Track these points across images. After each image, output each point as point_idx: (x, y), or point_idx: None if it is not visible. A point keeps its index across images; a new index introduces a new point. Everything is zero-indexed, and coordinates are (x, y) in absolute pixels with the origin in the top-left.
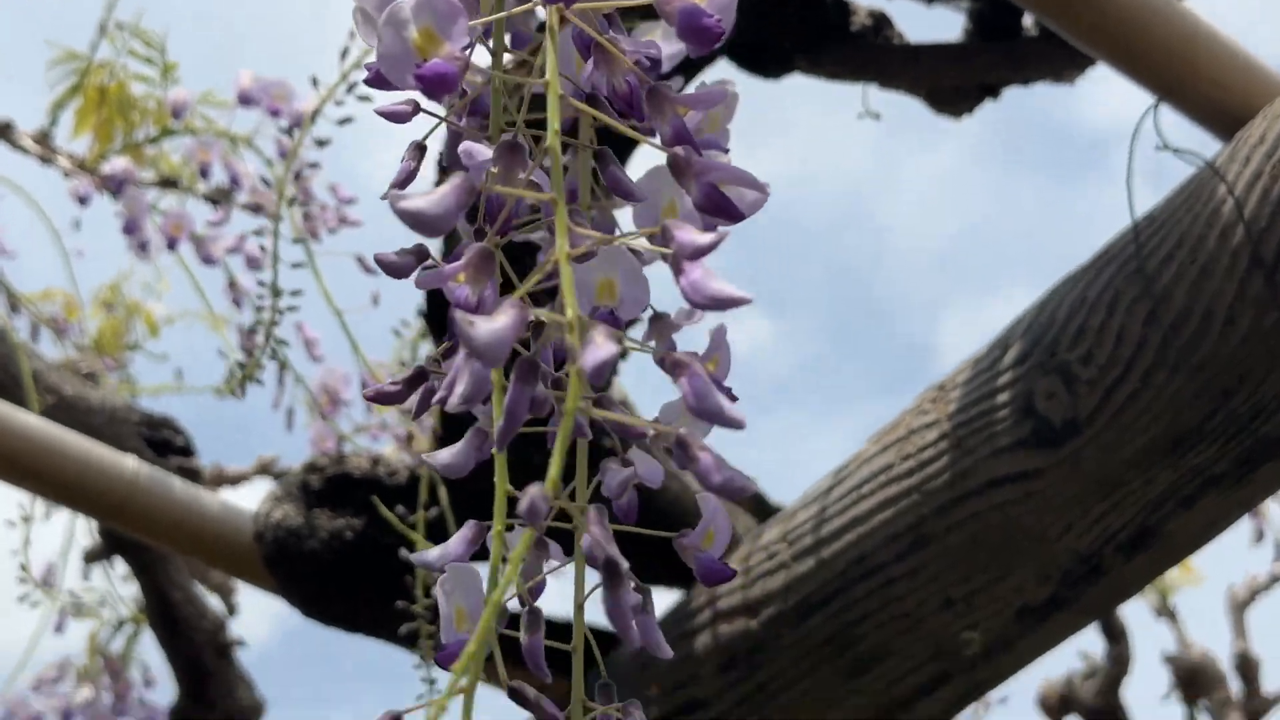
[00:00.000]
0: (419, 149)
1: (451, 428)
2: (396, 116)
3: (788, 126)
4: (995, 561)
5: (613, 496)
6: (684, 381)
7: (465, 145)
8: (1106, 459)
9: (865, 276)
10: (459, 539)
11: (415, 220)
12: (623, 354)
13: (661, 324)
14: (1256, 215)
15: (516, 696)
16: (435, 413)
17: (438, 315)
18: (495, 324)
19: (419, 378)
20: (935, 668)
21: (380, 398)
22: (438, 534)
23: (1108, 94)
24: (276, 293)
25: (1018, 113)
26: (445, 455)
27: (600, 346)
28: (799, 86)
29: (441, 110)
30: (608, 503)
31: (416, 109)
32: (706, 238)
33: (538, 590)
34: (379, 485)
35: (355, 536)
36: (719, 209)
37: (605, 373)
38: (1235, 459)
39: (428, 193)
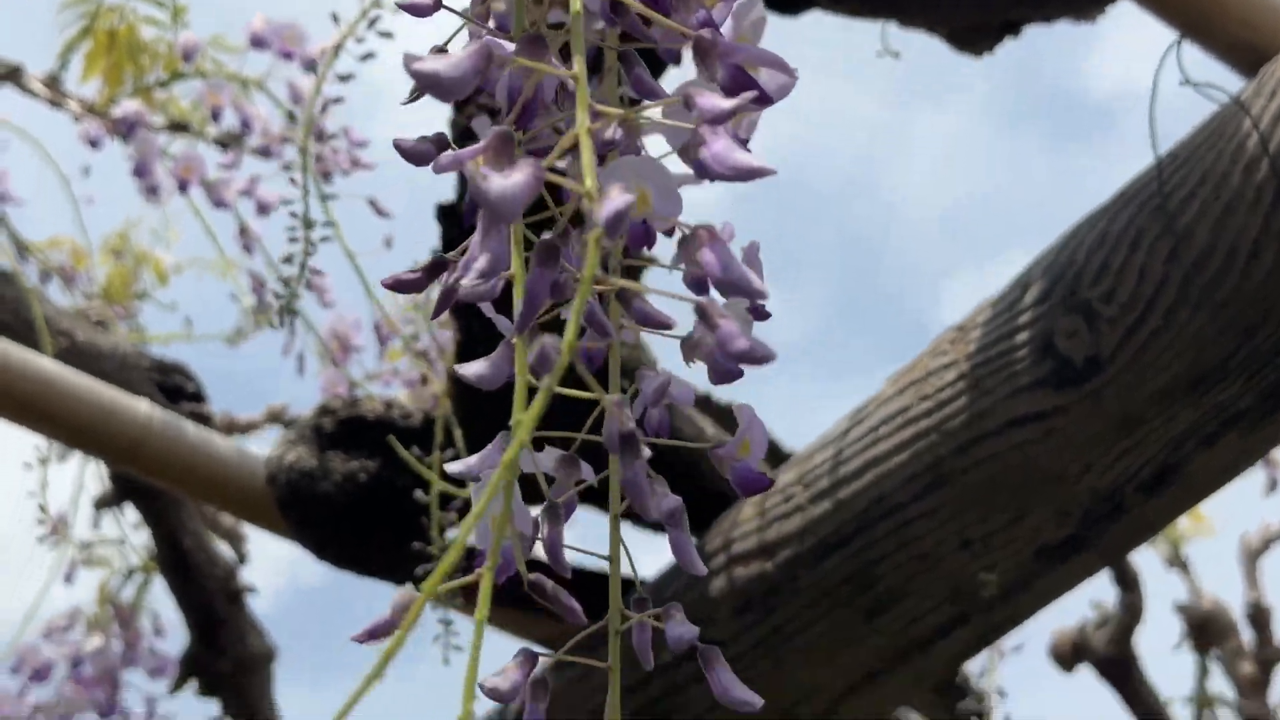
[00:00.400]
0: (440, 53)
1: (470, 356)
2: (417, 10)
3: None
4: (1014, 501)
5: (649, 404)
6: (705, 251)
7: (487, 39)
8: (1128, 397)
9: (874, 246)
10: (493, 448)
11: (431, 82)
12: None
13: (691, 242)
14: None
15: (536, 589)
16: (450, 355)
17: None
18: (510, 179)
19: (438, 266)
20: (953, 609)
21: (399, 285)
22: (452, 476)
23: (1114, 60)
24: (308, 224)
25: (1026, 78)
26: (477, 365)
27: (615, 198)
28: (813, 38)
29: (465, 20)
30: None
31: (438, 4)
32: (730, 102)
33: (569, 507)
34: (393, 428)
35: (369, 479)
36: (745, 89)
37: (622, 223)
38: (1259, 395)
39: (445, 56)
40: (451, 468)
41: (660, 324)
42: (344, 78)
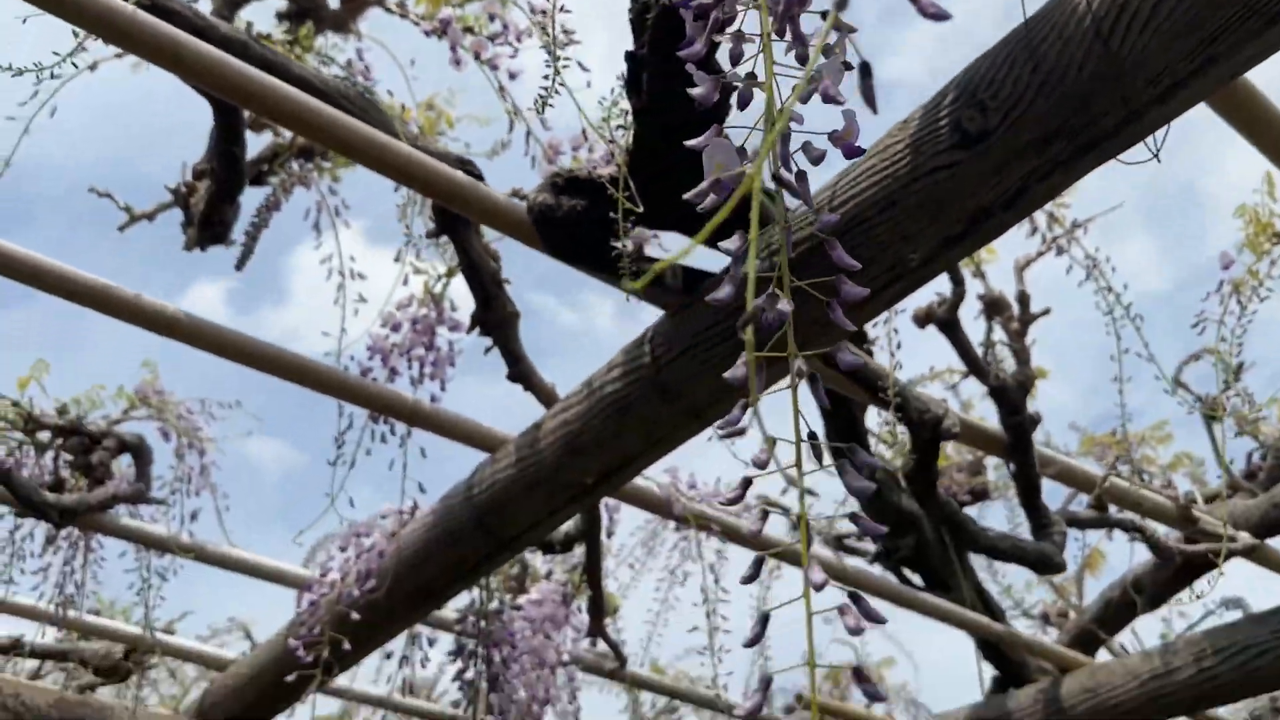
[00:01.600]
0: None
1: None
2: None
3: None
4: (931, 213)
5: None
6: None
7: None
8: (1001, 153)
9: None
10: (707, 135)
11: None
12: None
13: None
14: (1099, 9)
15: (783, 181)
16: (626, 146)
17: (634, 82)
18: None
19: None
20: (892, 274)
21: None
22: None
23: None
24: (555, 56)
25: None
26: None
27: None
28: None
29: None
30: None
31: None
32: None
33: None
34: (594, 181)
35: (583, 210)
36: None
37: None
38: (1074, 149)
39: None
40: (691, 141)
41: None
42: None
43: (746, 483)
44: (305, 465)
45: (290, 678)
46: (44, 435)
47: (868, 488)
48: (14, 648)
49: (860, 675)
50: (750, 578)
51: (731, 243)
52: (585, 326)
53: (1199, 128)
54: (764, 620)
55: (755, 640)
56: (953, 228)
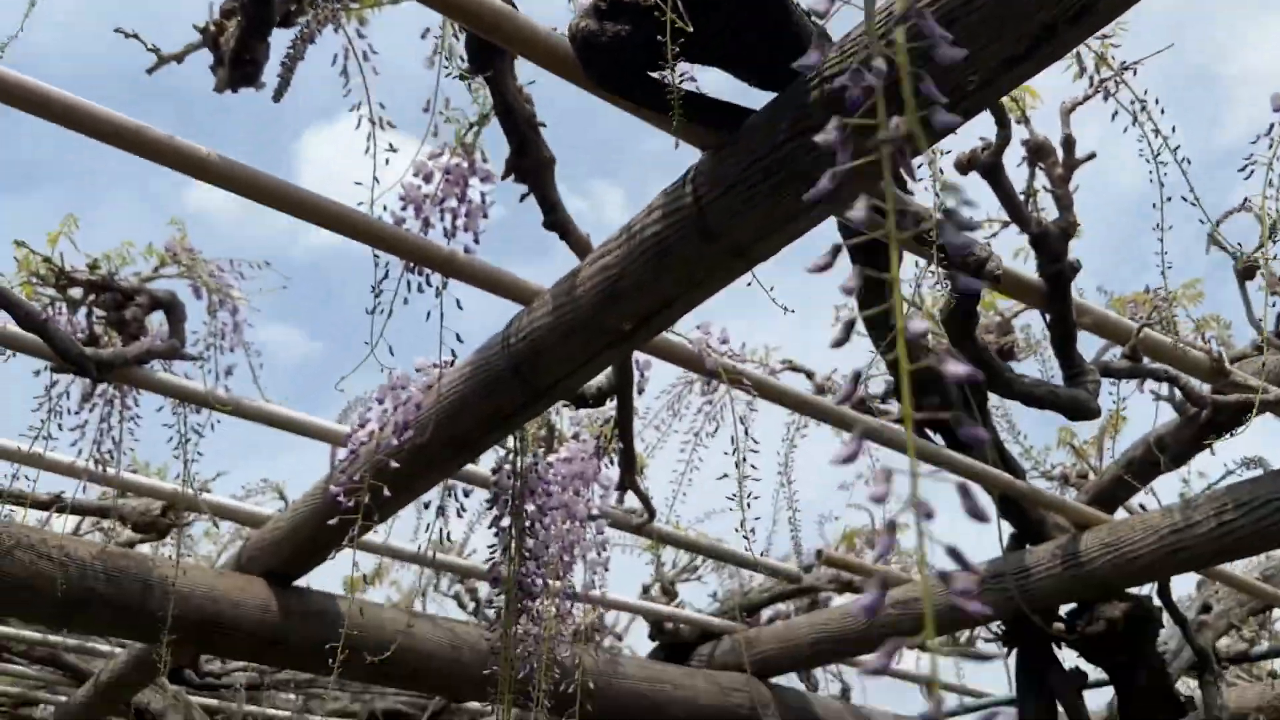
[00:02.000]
0: None
1: None
2: None
3: None
4: (994, 30)
5: None
6: None
7: None
8: None
9: None
10: None
11: None
12: None
13: None
14: None
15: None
16: None
17: None
18: None
19: None
20: (951, 98)
21: None
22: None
23: None
24: None
25: None
26: None
27: None
28: None
29: None
30: None
31: None
32: None
33: None
34: (640, 3)
35: (627, 35)
36: None
37: None
38: None
39: None
40: None
41: None
42: None
43: (836, 249)
44: (320, 354)
45: (332, 521)
46: (76, 292)
47: (969, 241)
48: (55, 504)
49: (964, 490)
50: (840, 341)
51: (821, 2)
52: (595, 216)
53: (1215, 13)
54: (857, 379)
55: (849, 396)
56: (1015, 46)
